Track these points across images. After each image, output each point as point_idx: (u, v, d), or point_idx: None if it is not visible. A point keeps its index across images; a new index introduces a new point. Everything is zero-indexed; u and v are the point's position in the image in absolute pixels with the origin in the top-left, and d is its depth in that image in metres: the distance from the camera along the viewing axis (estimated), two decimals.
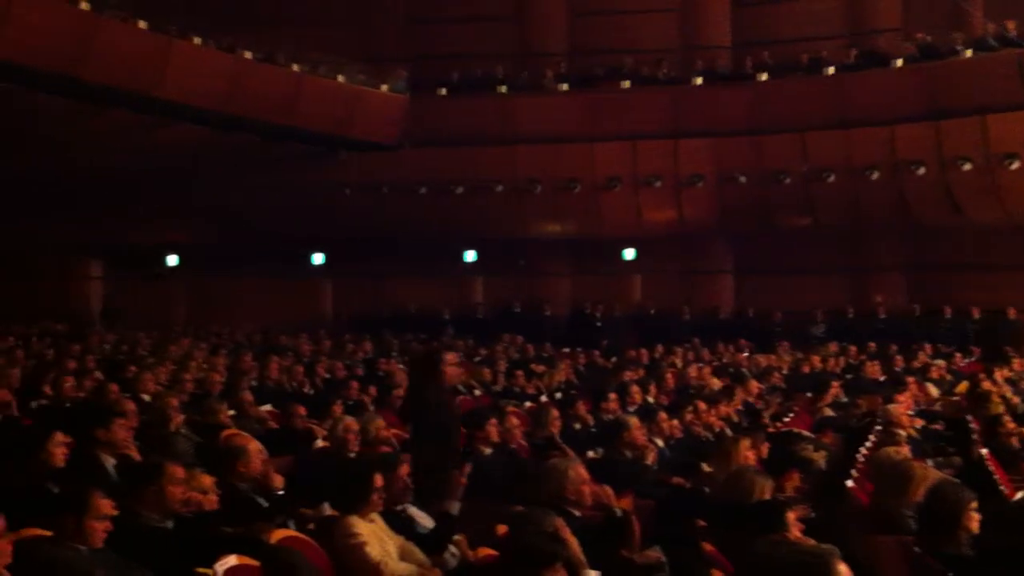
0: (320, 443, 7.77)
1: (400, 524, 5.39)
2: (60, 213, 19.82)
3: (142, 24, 15.95)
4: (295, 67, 18.61)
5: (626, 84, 20.37)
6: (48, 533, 4.49)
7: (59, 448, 5.67)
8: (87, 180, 18.99)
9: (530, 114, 20.25)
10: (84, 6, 14.98)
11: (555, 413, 8.51)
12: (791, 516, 5.07)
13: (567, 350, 17.22)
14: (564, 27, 22.60)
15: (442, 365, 7.06)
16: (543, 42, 22.43)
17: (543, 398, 11.43)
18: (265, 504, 5.70)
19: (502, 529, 5.09)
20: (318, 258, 22.41)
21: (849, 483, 6.75)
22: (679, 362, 15.42)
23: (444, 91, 20.74)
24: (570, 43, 22.54)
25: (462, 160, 20.12)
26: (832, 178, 18.73)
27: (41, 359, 12.71)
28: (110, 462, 6.20)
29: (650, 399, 10.67)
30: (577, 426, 9.08)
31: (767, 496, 5.57)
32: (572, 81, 21.06)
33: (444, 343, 17.79)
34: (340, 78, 19.31)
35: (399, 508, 5.62)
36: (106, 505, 4.37)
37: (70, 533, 4.29)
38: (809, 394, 11.36)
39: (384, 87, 20.10)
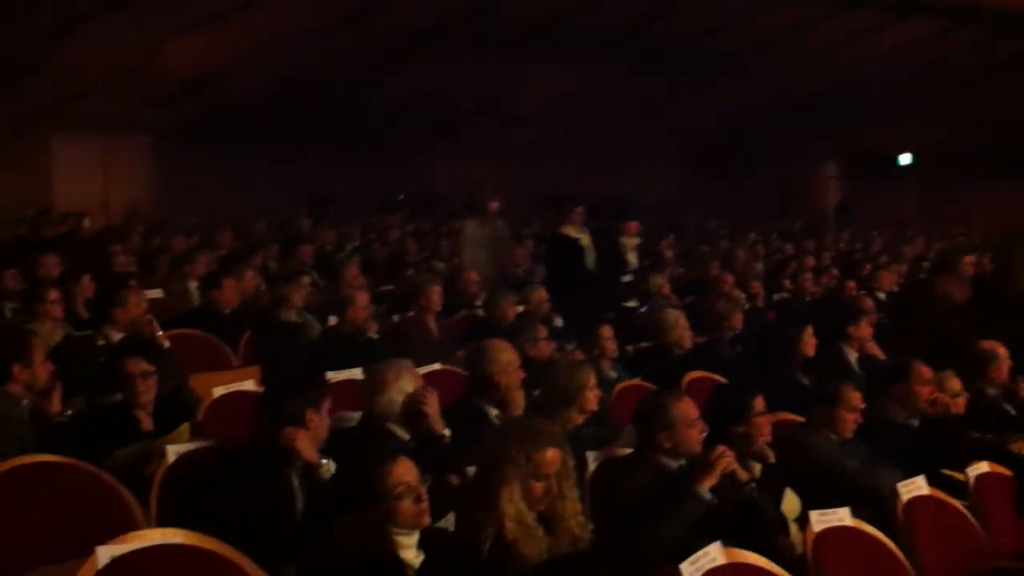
0: None
1: None
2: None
3: None
4: None
5: None
6: (800, 419, 4.82)
7: (810, 341, 6.08)
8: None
9: None
10: None
11: None
12: None
13: None
14: None
15: None
16: None
17: None
18: (1013, 413, 5.49)
19: None
20: None
21: None
22: None
23: None
24: None
25: None
26: None
27: (781, 255, 13.40)
28: (853, 356, 6.45)
29: None
30: None
31: None
32: None
33: None
34: None
35: None
36: (856, 398, 4.54)
37: (822, 422, 4.54)
38: None
39: None
